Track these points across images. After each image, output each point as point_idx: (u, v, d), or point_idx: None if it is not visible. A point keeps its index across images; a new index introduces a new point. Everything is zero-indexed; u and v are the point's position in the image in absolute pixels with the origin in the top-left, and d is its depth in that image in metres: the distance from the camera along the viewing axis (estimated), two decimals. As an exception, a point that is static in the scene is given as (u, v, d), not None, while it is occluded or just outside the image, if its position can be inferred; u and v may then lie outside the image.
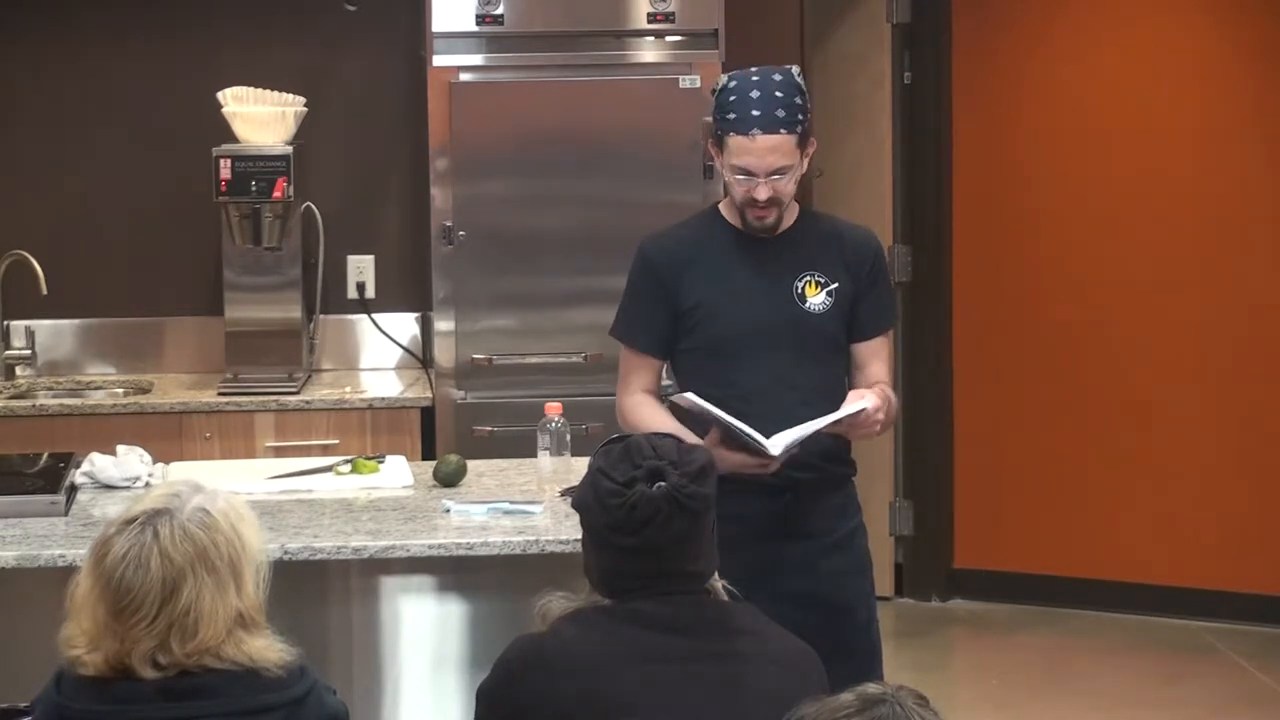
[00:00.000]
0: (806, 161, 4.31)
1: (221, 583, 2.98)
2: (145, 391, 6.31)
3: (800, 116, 4.25)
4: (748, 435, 4.10)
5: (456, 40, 6.14)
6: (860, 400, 4.19)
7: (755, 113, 4.22)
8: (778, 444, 4.11)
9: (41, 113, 6.60)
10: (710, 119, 4.34)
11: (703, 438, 4.13)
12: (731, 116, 4.24)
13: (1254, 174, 7.13)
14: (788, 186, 4.28)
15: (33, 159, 6.61)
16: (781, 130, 4.22)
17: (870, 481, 6.72)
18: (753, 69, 4.31)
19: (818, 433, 4.18)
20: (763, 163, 4.23)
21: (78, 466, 4.85)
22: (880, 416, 4.21)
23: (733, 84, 4.28)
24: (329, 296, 6.60)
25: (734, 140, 4.24)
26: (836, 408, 4.26)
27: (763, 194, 4.25)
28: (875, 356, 4.42)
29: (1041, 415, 7.43)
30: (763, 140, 4.22)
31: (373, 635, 4.55)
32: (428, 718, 4.58)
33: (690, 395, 4.17)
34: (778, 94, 4.23)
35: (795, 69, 4.31)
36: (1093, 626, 7.24)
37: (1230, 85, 7.15)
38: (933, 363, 7.54)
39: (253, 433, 6.10)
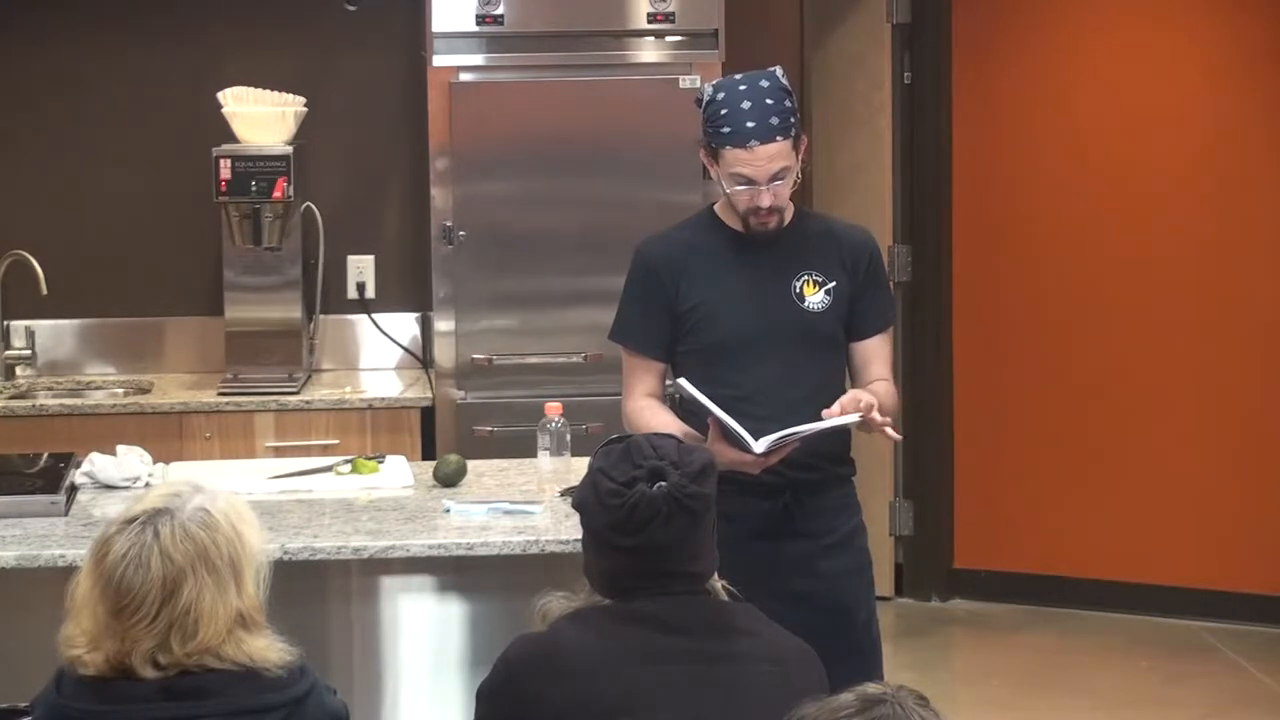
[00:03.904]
0: (801, 160, 4.30)
1: (222, 582, 2.98)
2: (145, 391, 6.31)
3: (792, 119, 4.24)
4: (734, 430, 4.10)
5: (456, 40, 6.14)
6: (850, 416, 4.18)
7: (750, 124, 4.20)
8: (764, 443, 4.11)
9: (42, 113, 6.60)
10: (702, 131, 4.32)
11: (705, 434, 4.14)
12: (726, 130, 4.22)
13: (1257, 173, 7.13)
14: (788, 189, 4.28)
15: (33, 159, 6.61)
16: (778, 138, 4.22)
17: (870, 481, 6.73)
18: (737, 76, 4.30)
19: (818, 433, 4.18)
20: (763, 171, 4.22)
21: (78, 466, 4.84)
22: (879, 421, 4.19)
23: (721, 95, 4.26)
24: (329, 296, 6.60)
25: (731, 152, 4.23)
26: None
27: (766, 200, 4.24)
28: (875, 357, 4.41)
29: (1041, 415, 7.43)
30: (761, 150, 4.21)
31: (373, 635, 4.55)
32: (428, 718, 4.58)
33: (683, 381, 4.17)
34: (768, 101, 4.22)
35: (779, 70, 4.30)
36: (1093, 626, 7.24)
37: (1232, 84, 7.15)
38: (933, 363, 7.54)
39: (253, 433, 6.11)
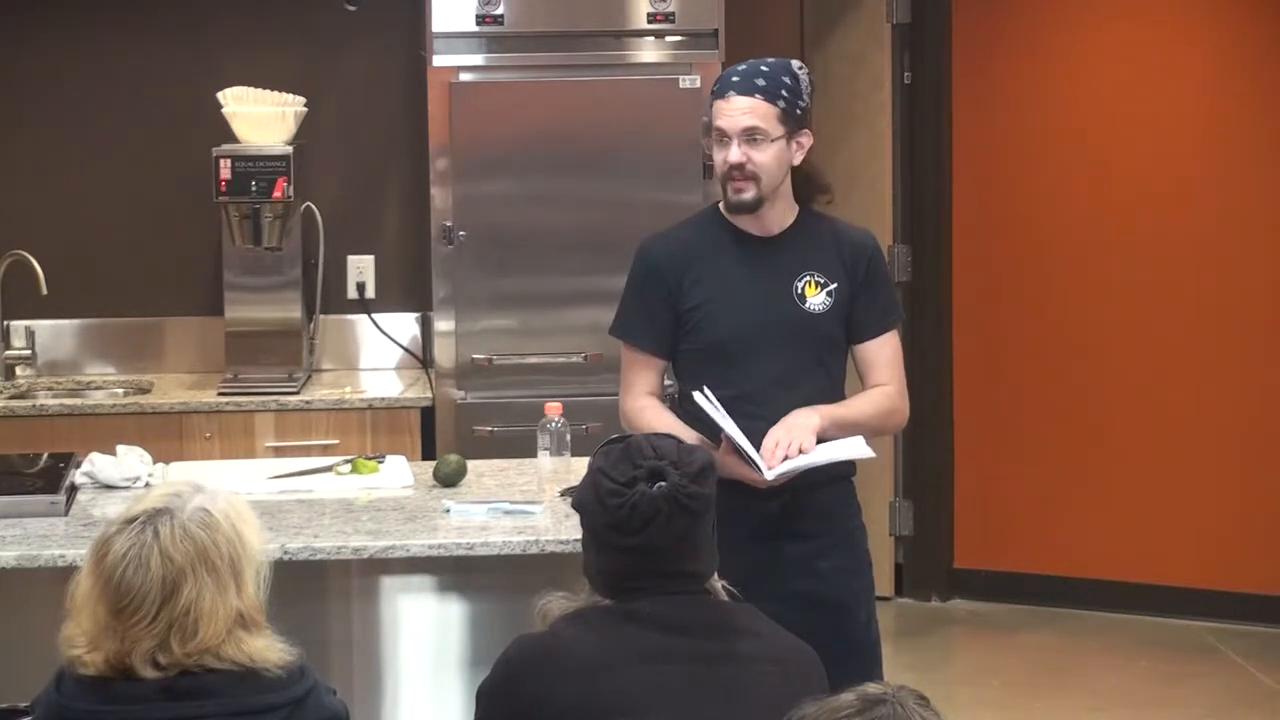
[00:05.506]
0: (796, 149, 4.28)
1: (222, 583, 2.98)
2: (145, 391, 6.31)
3: (784, 93, 4.23)
4: (746, 452, 4.10)
5: (456, 40, 6.14)
6: (866, 450, 4.21)
7: (734, 79, 4.26)
8: (775, 470, 4.10)
9: (42, 113, 6.60)
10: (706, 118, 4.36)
11: (713, 441, 4.14)
12: (715, 88, 4.29)
13: (1257, 174, 7.13)
14: (763, 157, 4.23)
15: (33, 159, 6.61)
16: (757, 95, 4.23)
17: (870, 481, 6.73)
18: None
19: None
20: (735, 122, 4.22)
21: (78, 466, 4.84)
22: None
23: (727, 69, 4.35)
24: (329, 296, 6.60)
25: (713, 107, 4.28)
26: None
27: (735, 155, 4.23)
28: (877, 361, 4.38)
29: (1041, 415, 7.43)
30: (737, 101, 4.23)
31: (373, 635, 4.55)
32: (428, 718, 4.58)
33: (704, 393, 4.16)
34: (763, 68, 4.27)
35: (796, 62, 4.32)
36: (1093, 626, 7.24)
37: (1232, 85, 7.15)
38: (933, 363, 7.53)
39: (253, 433, 6.11)
